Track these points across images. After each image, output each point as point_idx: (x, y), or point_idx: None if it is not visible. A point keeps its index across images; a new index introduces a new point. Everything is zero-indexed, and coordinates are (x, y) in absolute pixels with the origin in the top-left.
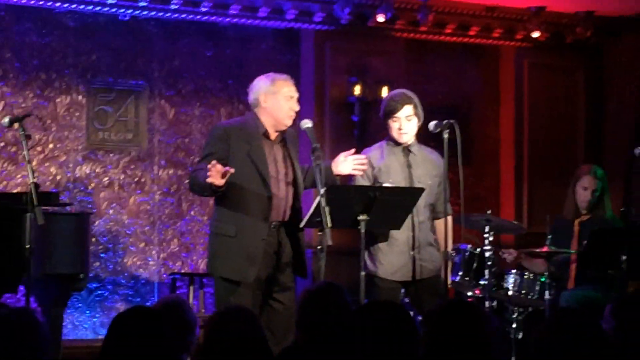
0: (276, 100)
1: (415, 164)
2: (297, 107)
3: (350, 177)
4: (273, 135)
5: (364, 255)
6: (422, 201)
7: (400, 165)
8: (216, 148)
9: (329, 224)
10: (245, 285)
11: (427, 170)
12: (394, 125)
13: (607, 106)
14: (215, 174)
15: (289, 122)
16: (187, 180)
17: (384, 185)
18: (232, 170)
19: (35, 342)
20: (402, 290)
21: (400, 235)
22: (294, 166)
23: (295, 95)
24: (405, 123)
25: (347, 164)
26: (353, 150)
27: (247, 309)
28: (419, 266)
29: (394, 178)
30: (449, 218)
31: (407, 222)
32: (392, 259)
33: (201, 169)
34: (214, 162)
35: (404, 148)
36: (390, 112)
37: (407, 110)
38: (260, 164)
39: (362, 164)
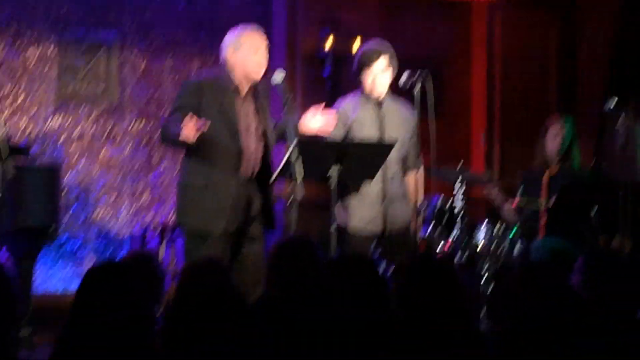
0: (242, 54)
1: (387, 117)
2: (264, 58)
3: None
4: (244, 90)
5: (336, 208)
6: (394, 154)
7: (372, 119)
8: (187, 101)
9: (301, 176)
10: (214, 237)
11: (399, 124)
12: (368, 77)
13: (580, 60)
14: (192, 128)
15: (258, 76)
16: (158, 133)
17: (354, 140)
18: (207, 126)
19: (3, 296)
20: (373, 245)
21: (372, 189)
22: (265, 120)
23: (263, 46)
24: (380, 75)
25: (315, 120)
26: (322, 105)
27: (218, 261)
28: (390, 219)
29: (366, 132)
30: (420, 171)
31: (378, 175)
32: (363, 211)
33: (173, 121)
34: (190, 114)
35: (376, 101)
36: (365, 64)
37: (382, 62)
38: (231, 119)
39: (331, 122)
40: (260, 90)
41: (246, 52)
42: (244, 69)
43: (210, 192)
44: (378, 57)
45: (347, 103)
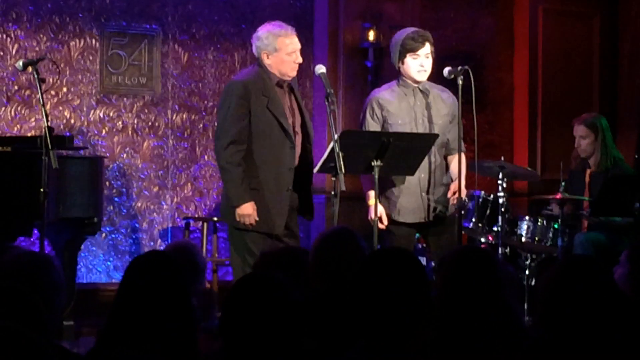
0: (279, 57)
1: (426, 103)
2: (299, 60)
3: (361, 122)
4: (284, 84)
5: (380, 200)
6: (438, 141)
7: (410, 106)
8: (240, 110)
9: (343, 170)
10: (270, 236)
11: (438, 110)
12: (413, 62)
13: (622, 52)
14: (252, 219)
15: (294, 74)
16: (221, 163)
17: (394, 130)
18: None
19: (49, 286)
20: (417, 236)
21: (414, 178)
22: (304, 112)
23: (298, 47)
24: (425, 60)
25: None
26: None
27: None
28: (432, 208)
29: (403, 119)
30: (463, 155)
31: (423, 164)
32: (406, 201)
33: (236, 165)
34: (254, 218)
35: (415, 88)
36: (411, 50)
37: (427, 47)
38: (280, 116)
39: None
40: (293, 83)
41: (283, 55)
42: (280, 70)
43: (267, 192)
44: (424, 42)
45: (382, 93)
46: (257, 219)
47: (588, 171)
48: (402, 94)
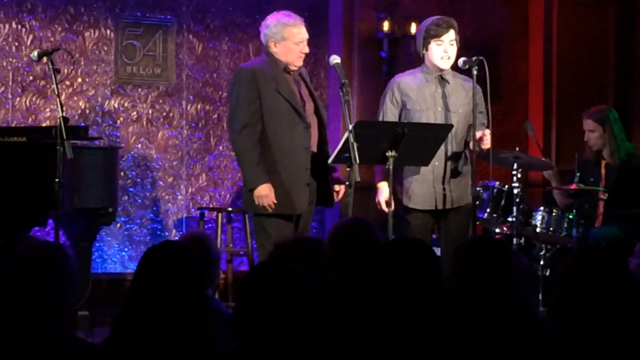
0: (286, 45)
1: (449, 92)
2: (306, 50)
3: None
4: (291, 71)
5: (395, 188)
6: (458, 130)
7: (431, 93)
8: (250, 95)
9: (357, 160)
10: (291, 217)
11: (461, 99)
12: (438, 49)
13: (637, 42)
14: (270, 201)
15: (300, 63)
16: (233, 142)
17: (411, 116)
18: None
19: (63, 276)
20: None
21: (431, 167)
22: (316, 98)
23: (305, 37)
24: (449, 47)
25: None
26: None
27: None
28: (449, 197)
29: (422, 105)
30: (487, 130)
31: (439, 152)
32: (418, 187)
33: (252, 148)
34: (271, 199)
35: (437, 76)
36: (435, 36)
37: (451, 34)
38: (290, 96)
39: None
40: (303, 73)
41: (288, 45)
42: (286, 58)
43: (285, 174)
44: (448, 29)
45: (404, 77)
46: (275, 201)
47: (603, 163)
48: (424, 81)
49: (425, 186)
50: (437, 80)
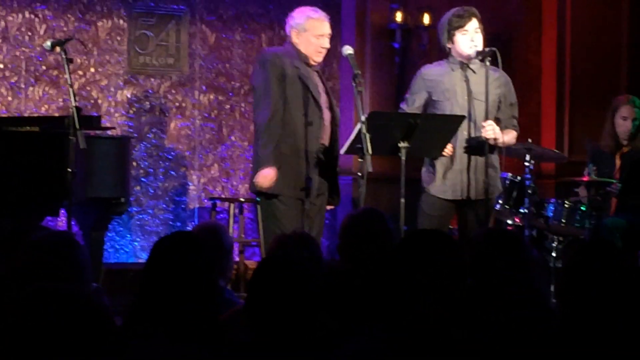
0: (306, 37)
1: (475, 81)
2: (327, 45)
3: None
4: (311, 63)
5: (423, 173)
6: (481, 119)
7: (459, 84)
8: (276, 78)
9: (370, 151)
10: (300, 203)
11: (490, 86)
12: (463, 38)
13: None
14: (270, 180)
15: (319, 59)
16: (261, 130)
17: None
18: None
19: (74, 265)
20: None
21: (462, 154)
22: (329, 94)
23: (327, 33)
24: (475, 35)
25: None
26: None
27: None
28: (473, 187)
29: (451, 96)
30: (513, 133)
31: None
32: (449, 176)
33: (271, 137)
34: (271, 181)
35: (464, 66)
36: (459, 27)
37: (474, 22)
38: (310, 86)
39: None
40: (319, 71)
41: (309, 37)
42: (306, 51)
43: (297, 158)
44: (471, 17)
45: (431, 68)
46: (272, 185)
47: (617, 154)
48: (450, 70)
49: (455, 174)
50: (464, 70)
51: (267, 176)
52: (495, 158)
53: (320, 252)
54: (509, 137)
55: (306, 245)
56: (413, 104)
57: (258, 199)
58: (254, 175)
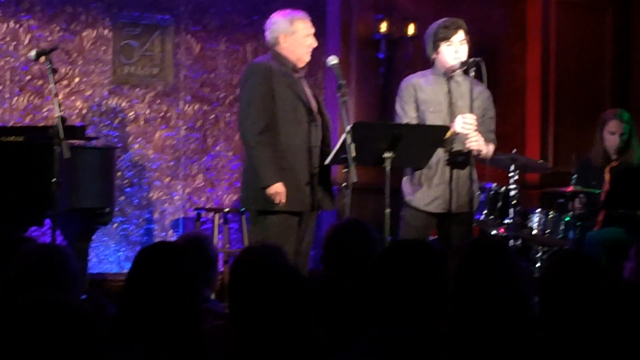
0: (295, 39)
1: (459, 93)
2: (315, 43)
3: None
4: (298, 70)
5: (403, 184)
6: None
7: (443, 95)
8: (264, 90)
9: (355, 161)
10: (297, 215)
11: (471, 99)
12: (448, 50)
13: (635, 45)
14: (281, 197)
15: (308, 58)
16: (250, 146)
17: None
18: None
19: (64, 276)
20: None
21: (444, 167)
22: (318, 99)
23: (312, 31)
24: (460, 47)
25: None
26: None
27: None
28: (455, 200)
29: (435, 107)
30: (491, 147)
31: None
32: (430, 189)
33: (268, 152)
34: (284, 196)
35: (448, 78)
36: (444, 38)
37: (460, 34)
38: (301, 96)
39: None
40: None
41: (299, 38)
42: (296, 53)
43: (295, 171)
44: (457, 29)
45: (417, 79)
46: (283, 201)
47: (607, 168)
48: (434, 82)
49: (436, 188)
50: (448, 83)
51: (280, 193)
52: (473, 171)
53: (288, 263)
54: (489, 149)
55: (272, 256)
56: (409, 113)
57: (249, 213)
58: (246, 191)
